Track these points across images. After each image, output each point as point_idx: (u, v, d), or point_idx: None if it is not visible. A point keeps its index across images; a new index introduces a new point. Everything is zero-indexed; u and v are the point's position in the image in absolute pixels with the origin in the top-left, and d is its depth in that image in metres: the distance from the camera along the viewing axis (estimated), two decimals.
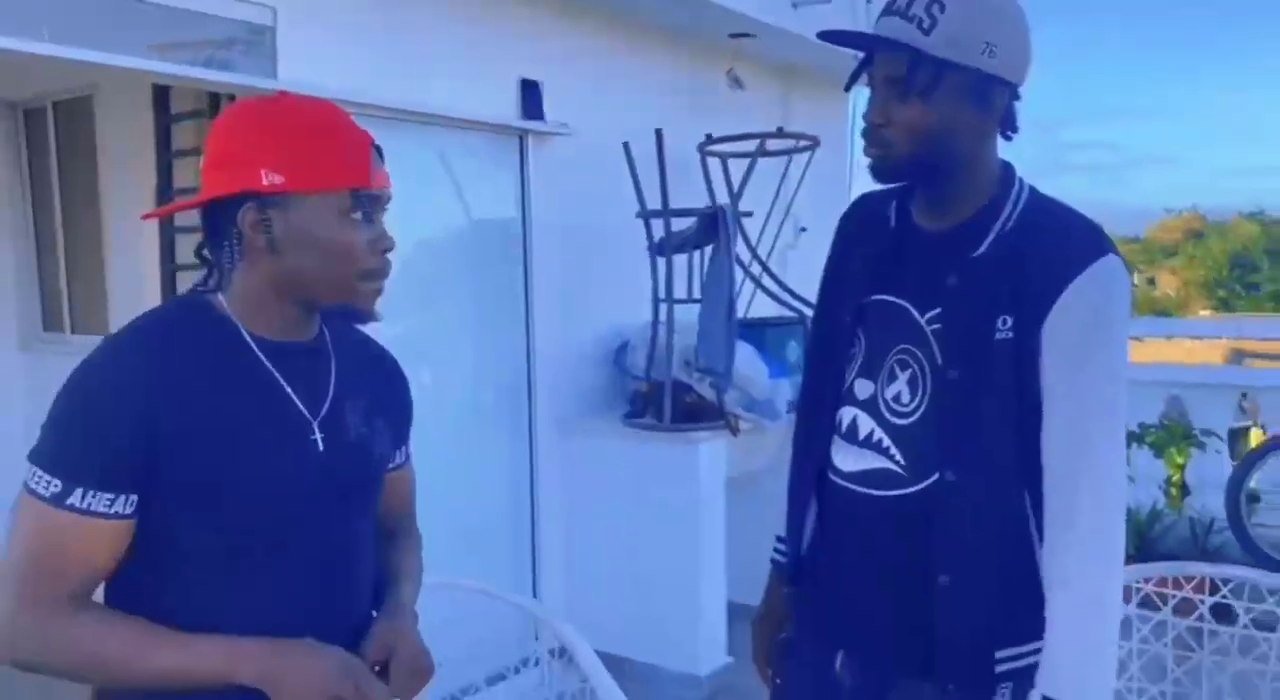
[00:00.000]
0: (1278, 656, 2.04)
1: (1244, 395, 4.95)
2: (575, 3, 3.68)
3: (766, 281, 3.93)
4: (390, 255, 1.16)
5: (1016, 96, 1.34)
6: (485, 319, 3.57)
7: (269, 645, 1.07)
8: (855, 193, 1.58)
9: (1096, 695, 1.26)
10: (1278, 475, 4.45)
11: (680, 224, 3.55)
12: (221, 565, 1.09)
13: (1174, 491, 4.68)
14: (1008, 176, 1.38)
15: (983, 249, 1.33)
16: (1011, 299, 1.29)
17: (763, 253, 3.99)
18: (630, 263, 3.71)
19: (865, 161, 1.38)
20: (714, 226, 3.44)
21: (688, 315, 3.56)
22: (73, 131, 4.14)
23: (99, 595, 1.10)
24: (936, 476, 1.33)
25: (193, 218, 1.18)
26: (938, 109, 1.28)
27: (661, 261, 3.60)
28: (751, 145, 3.79)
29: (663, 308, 3.61)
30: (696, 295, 3.59)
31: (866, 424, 1.41)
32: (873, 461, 1.39)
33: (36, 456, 1.05)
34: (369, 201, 1.12)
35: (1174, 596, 2.16)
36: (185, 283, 3.46)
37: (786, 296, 3.88)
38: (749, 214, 3.86)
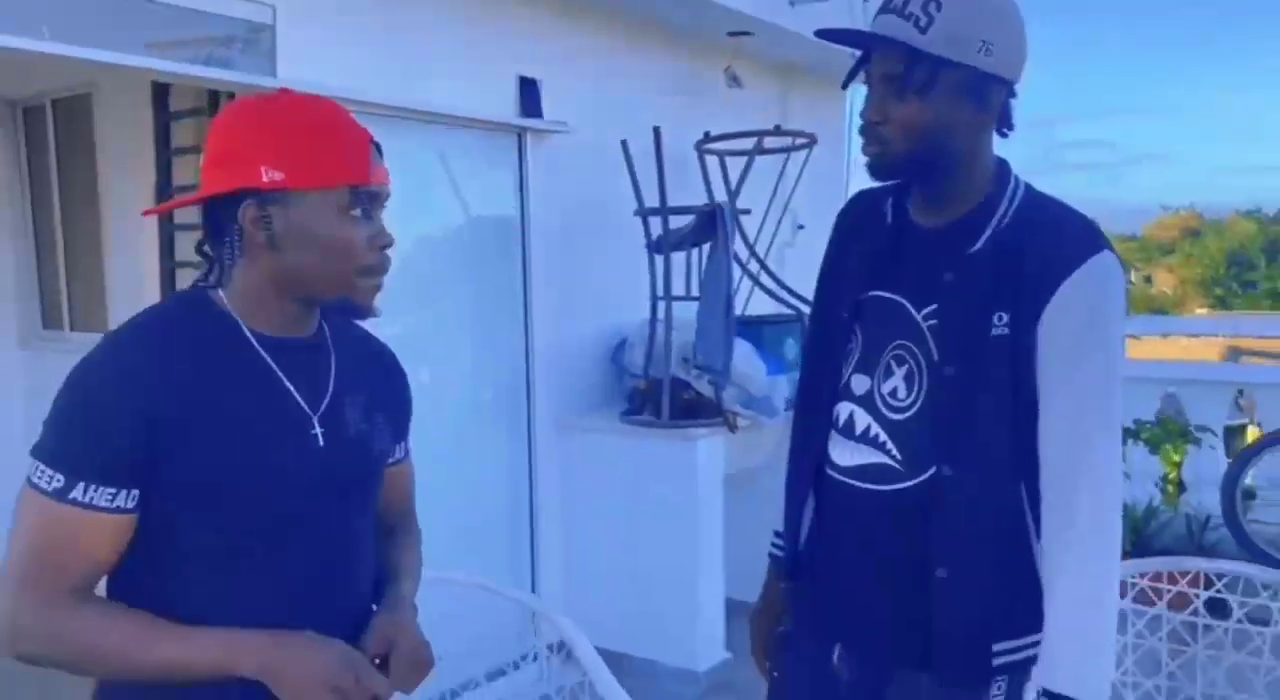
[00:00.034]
0: (1271, 650, 2.05)
1: (1240, 393, 4.96)
2: (574, 1, 3.69)
3: (764, 279, 3.94)
4: (389, 251, 1.16)
5: (1013, 94, 1.35)
6: (484, 317, 3.57)
7: (270, 637, 1.07)
8: (853, 191, 1.59)
9: (1096, 689, 1.27)
10: (1273, 472, 4.46)
11: (678, 222, 3.56)
12: (222, 559, 1.10)
13: (1170, 489, 4.69)
14: (1003, 173, 1.39)
15: (979, 245, 1.34)
16: (1007, 295, 1.30)
17: (760, 250, 4.00)
18: (628, 260, 3.72)
19: (863, 160, 1.39)
20: (712, 224, 3.45)
21: (686, 313, 3.57)
22: (72, 129, 4.14)
23: (101, 589, 1.10)
24: (933, 471, 1.35)
25: (192, 215, 1.19)
26: (934, 106, 1.29)
27: (660, 259, 3.61)
28: (749, 143, 3.80)
29: (661, 305, 3.62)
30: (695, 293, 3.60)
31: (863, 419, 1.42)
32: (869, 456, 1.40)
33: (39, 452, 1.05)
34: (368, 198, 1.13)
35: (1169, 591, 2.17)
36: (185, 280, 3.47)
37: (784, 294, 3.88)
38: (747, 212, 3.87)
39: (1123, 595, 2.08)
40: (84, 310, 4.23)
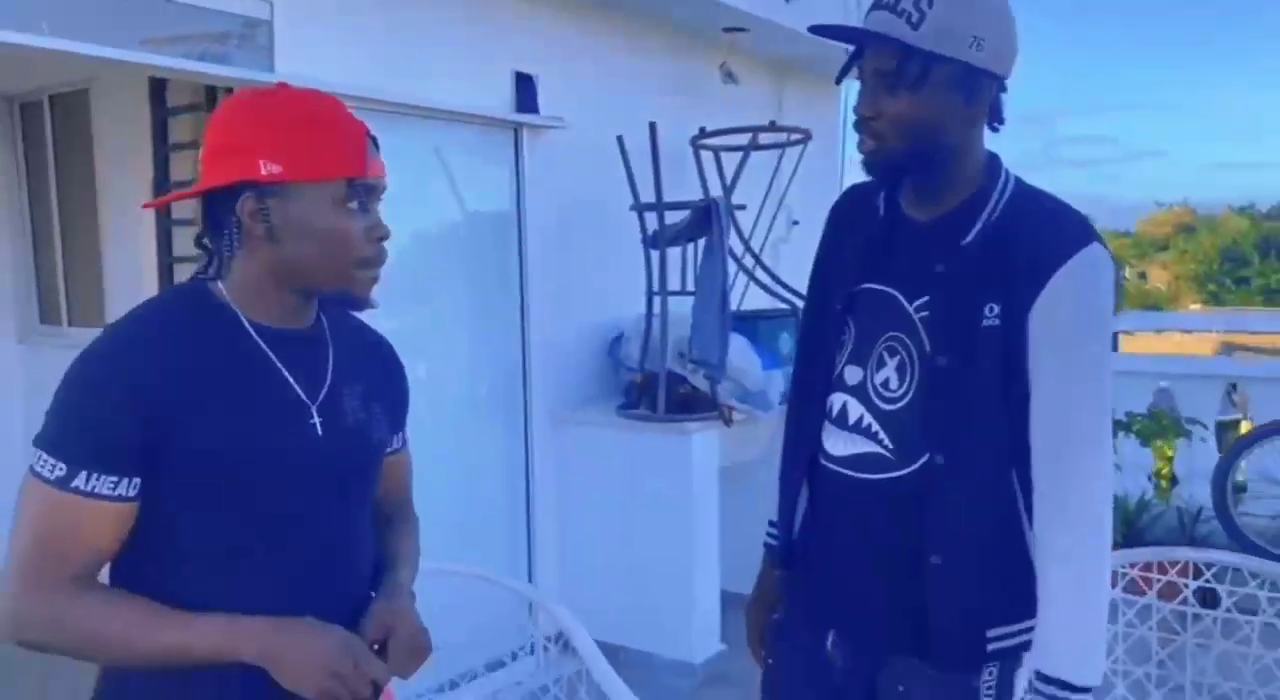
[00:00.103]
0: (1260, 639, 2.07)
1: (1234, 387, 4.97)
2: None
3: (759, 274, 3.95)
4: (386, 244, 1.18)
5: (1003, 88, 1.37)
6: (480, 311, 3.58)
7: (270, 623, 1.09)
8: (847, 186, 1.61)
9: (1089, 672, 1.28)
10: (1264, 465, 4.48)
11: (674, 217, 3.57)
12: (222, 548, 1.11)
13: (1163, 484, 4.72)
14: (994, 167, 1.40)
15: (970, 238, 1.36)
16: (998, 286, 1.32)
17: (755, 246, 4.02)
18: (624, 255, 3.73)
19: (858, 157, 1.40)
20: (707, 219, 3.47)
21: (682, 307, 3.58)
22: (69, 125, 4.14)
23: (103, 577, 1.12)
24: (925, 460, 1.36)
25: (189, 211, 1.20)
26: (927, 101, 1.30)
27: (655, 254, 3.62)
28: (744, 139, 3.81)
29: (657, 300, 3.63)
30: (690, 288, 3.61)
31: (856, 409, 1.43)
32: (862, 446, 1.42)
33: (41, 441, 1.07)
34: (365, 191, 1.14)
35: (1159, 581, 2.19)
36: (182, 275, 3.47)
37: (779, 289, 3.90)
38: (742, 207, 3.88)
39: (1113, 585, 2.10)
40: (82, 305, 4.24)
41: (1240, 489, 4.43)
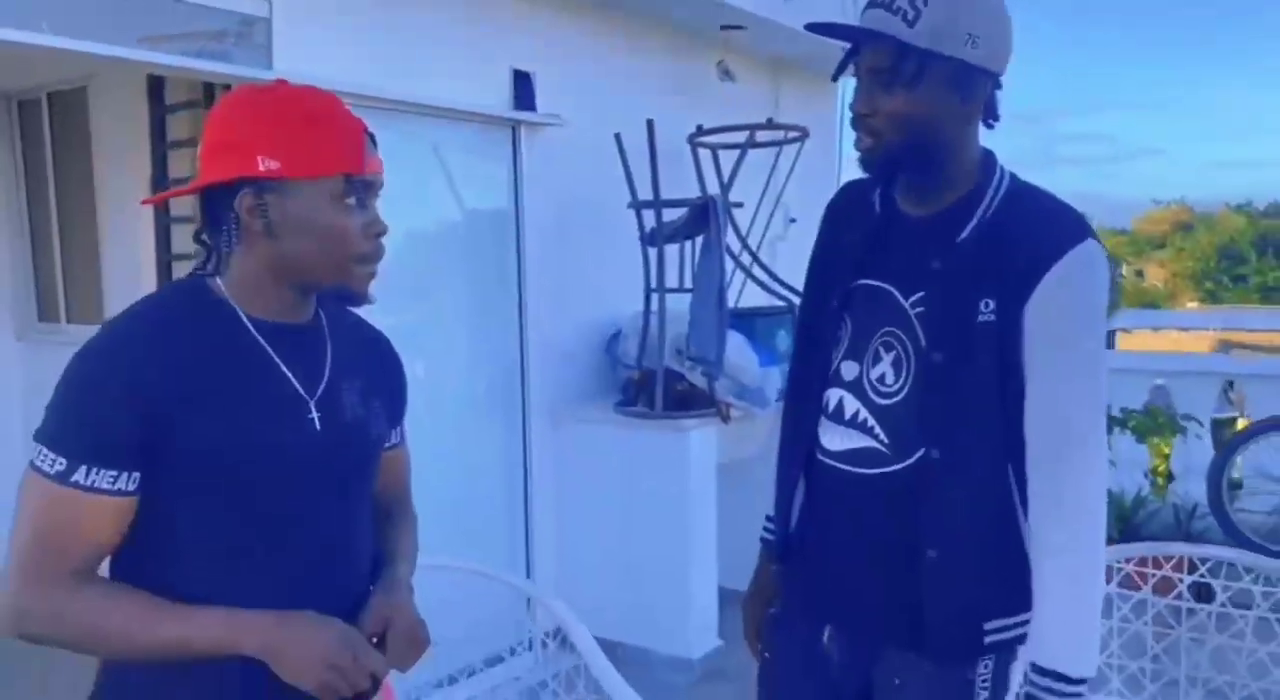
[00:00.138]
0: (1254, 633, 2.08)
1: (1231, 385, 4.97)
2: None
3: (756, 271, 3.96)
4: (383, 240, 1.18)
5: (998, 86, 1.38)
6: (478, 309, 3.59)
7: (270, 617, 1.09)
8: (843, 183, 1.62)
9: (1084, 665, 1.29)
10: (1259, 461, 4.49)
11: (671, 214, 3.58)
12: (221, 542, 1.12)
13: (1160, 481, 4.73)
14: (989, 164, 1.41)
15: (965, 234, 1.36)
16: (994, 282, 1.32)
17: (753, 243, 4.03)
18: (622, 253, 3.74)
19: (855, 155, 1.41)
20: (705, 217, 3.47)
21: (679, 305, 3.59)
22: (67, 122, 4.14)
23: (104, 571, 1.12)
24: (920, 454, 1.37)
25: (188, 208, 1.21)
26: (922, 99, 1.31)
27: (653, 251, 3.63)
28: (741, 136, 3.81)
29: (654, 297, 3.64)
30: (688, 285, 3.62)
31: (852, 404, 1.44)
32: (858, 441, 1.43)
33: (41, 436, 1.07)
34: (362, 187, 1.14)
35: (1154, 576, 2.20)
36: (181, 272, 3.47)
37: (776, 286, 3.91)
38: (739, 205, 3.89)
39: (1108, 580, 2.11)
40: (80, 303, 4.24)
41: (1236, 485, 4.44)
